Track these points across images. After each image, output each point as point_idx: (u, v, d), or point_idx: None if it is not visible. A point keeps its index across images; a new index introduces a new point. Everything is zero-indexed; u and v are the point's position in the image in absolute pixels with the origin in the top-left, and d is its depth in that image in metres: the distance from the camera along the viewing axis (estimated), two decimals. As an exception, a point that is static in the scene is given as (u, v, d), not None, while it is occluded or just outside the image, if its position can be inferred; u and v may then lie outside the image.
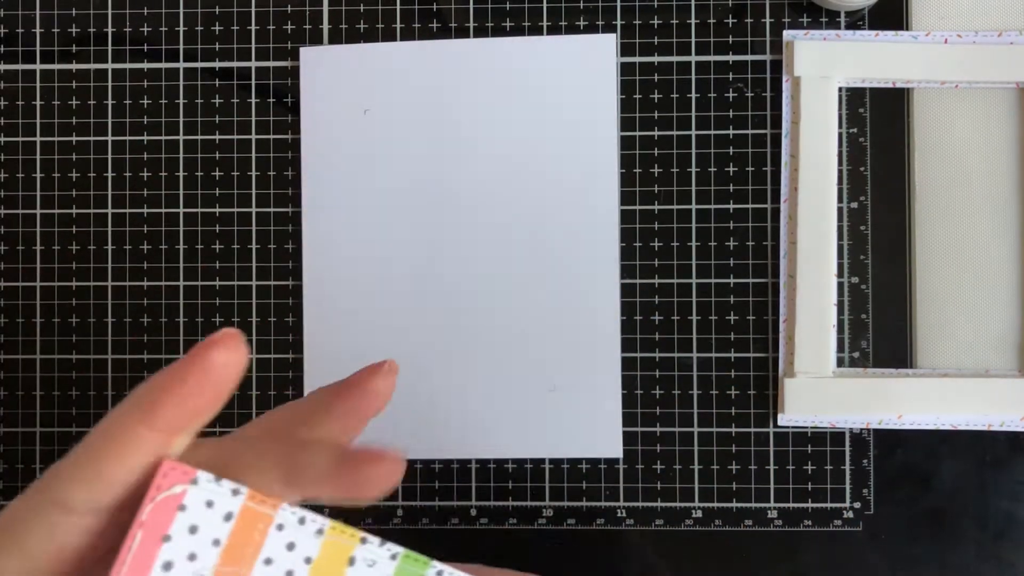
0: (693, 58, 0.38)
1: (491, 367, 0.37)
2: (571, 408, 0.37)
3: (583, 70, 0.37)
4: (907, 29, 0.38)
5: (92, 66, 0.39)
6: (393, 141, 0.37)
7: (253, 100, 0.38)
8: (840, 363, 0.37)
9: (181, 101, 0.39)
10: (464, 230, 0.37)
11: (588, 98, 0.37)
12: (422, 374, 0.37)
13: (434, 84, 0.37)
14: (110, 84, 0.39)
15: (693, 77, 0.38)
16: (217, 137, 0.38)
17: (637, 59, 0.38)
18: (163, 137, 0.39)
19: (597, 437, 0.37)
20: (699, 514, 0.38)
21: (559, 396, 0.37)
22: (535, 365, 0.37)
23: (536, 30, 0.38)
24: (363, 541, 0.20)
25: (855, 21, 0.38)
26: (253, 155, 0.38)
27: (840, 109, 0.38)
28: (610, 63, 0.38)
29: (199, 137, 0.39)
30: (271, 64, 0.38)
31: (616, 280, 0.37)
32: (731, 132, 0.38)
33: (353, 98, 0.37)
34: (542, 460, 0.38)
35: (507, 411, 0.37)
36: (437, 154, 0.37)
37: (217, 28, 0.39)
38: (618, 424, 0.37)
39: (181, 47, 0.39)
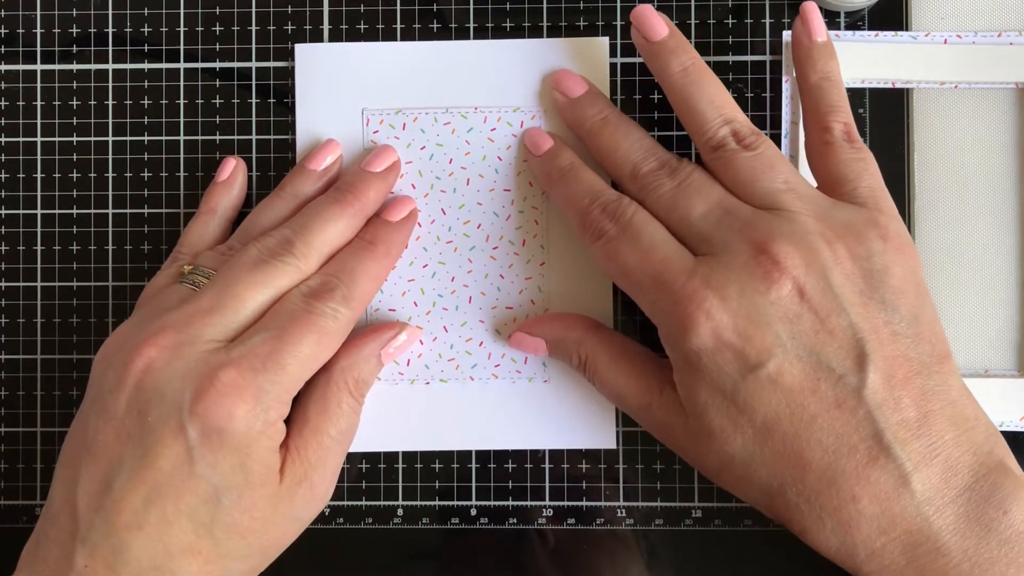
0: (693, 58, 0.38)
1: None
2: (564, 398, 0.37)
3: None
4: (907, 29, 0.38)
5: (92, 66, 0.39)
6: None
7: (253, 100, 0.38)
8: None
9: (181, 101, 0.39)
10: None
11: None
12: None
13: (428, 85, 0.37)
14: (110, 84, 0.39)
15: (693, 77, 0.38)
16: (217, 137, 0.38)
17: (637, 60, 0.38)
18: (163, 137, 0.39)
19: (591, 428, 0.37)
20: (699, 514, 0.38)
21: (553, 386, 0.37)
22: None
23: (536, 30, 0.38)
24: None
25: (855, 21, 0.38)
26: (254, 155, 0.38)
27: (840, 109, 0.38)
28: (603, 66, 0.37)
29: (199, 137, 0.39)
30: (271, 64, 0.38)
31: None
32: (731, 132, 0.38)
33: (349, 96, 0.37)
34: (542, 459, 0.38)
35: (501, 401, 0.37)
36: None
37: (217, 28, 0.39)
38: (611, 415, 0.37)
39: (181, 47, 0.39)
